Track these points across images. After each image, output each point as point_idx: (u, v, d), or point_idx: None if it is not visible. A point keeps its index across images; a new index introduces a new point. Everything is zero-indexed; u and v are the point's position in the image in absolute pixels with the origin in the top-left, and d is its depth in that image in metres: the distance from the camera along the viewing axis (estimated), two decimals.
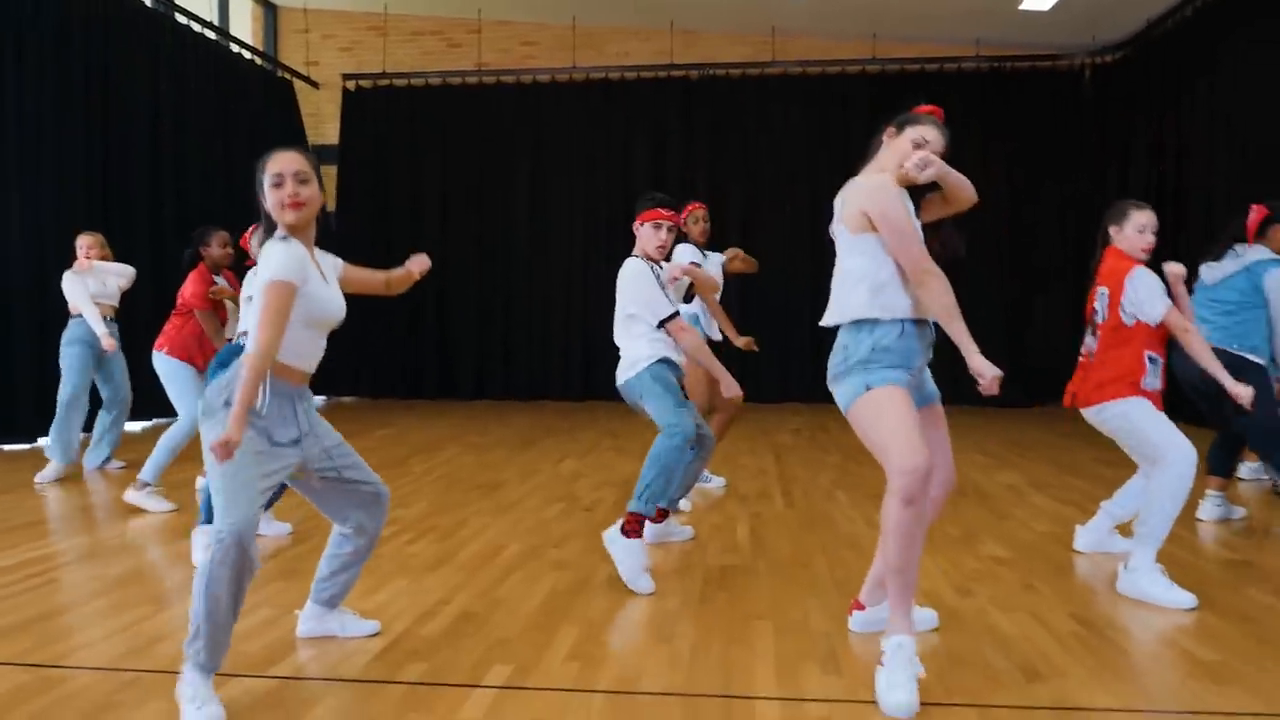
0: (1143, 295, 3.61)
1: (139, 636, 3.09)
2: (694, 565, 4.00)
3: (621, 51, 12.01)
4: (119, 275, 6.32)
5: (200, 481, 5.62)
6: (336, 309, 2.77)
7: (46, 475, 5.97)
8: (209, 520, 4.13)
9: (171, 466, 5.28)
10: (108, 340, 6.01)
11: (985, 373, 2.63)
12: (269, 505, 4.15)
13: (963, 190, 2.86)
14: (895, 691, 2.46)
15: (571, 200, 11.86)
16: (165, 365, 5.24)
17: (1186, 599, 3.39)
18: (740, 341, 5.52)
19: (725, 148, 11.57)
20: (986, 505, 5.24)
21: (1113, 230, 3.78)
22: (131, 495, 5.06)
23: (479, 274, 11.86)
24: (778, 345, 10.99)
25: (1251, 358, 4.38)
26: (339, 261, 2.96)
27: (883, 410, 2.66)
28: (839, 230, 2.83)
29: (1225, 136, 8.59)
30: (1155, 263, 3.79)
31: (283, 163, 2.65)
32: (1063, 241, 10.93)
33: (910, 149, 2.77)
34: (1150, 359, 3.63)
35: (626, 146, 11.79)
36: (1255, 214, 4.59)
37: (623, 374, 3.99)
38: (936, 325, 2.80)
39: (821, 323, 2.87)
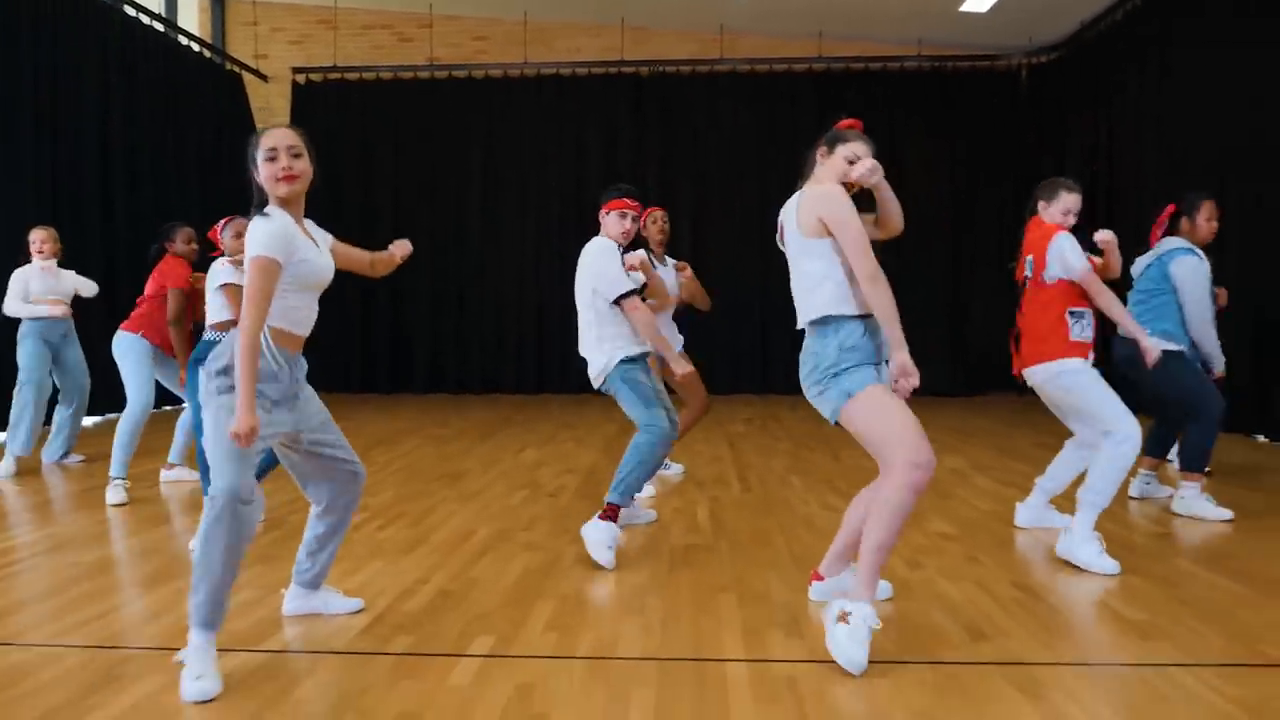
0: (1065, 252, 3.93)
1: (128, 618, 3.19)
2: (659, 545, 4.18)
3: (573, 47, 12.14)
4: (78, 283, 6.36)
5: (166, 474, 5.67)
6: (327, 272, 2.90)
7: (3, 470, 5.96)
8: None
9: (134, 462, 5.33)
10: (57, 306, 6.13)
11: (909, 371, 2.82)
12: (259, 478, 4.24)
13: (895, 218, 3.14)
14: (859, 651, 2.66)
15: (524, 195, 11.96)
16: (133, 344, 5.30)
17: (1111, 565, 3.67)
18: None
19: (675, 143, 11.76)
20: (933, 487, 5.49)
21: (1042, 204, 4.12)
22: (109, 494, 5.10)
23: (431, 268, 11.89)
24: (728, 339, 11.26)
25: (1165, 344, 4.65)
26: (328, 236, 3.07)
27: (878, 410, 2.84)
28: (792, 237, 3.02)
29: (1154, 134, 9.00)
30: (1083, 236, 4.13)
31: (276, 138, 2.77)
32: (1001, 236, 11.31)
33: (844, 165, 2.99)
34: (1071, 314, 3.94)
35: (578, 142, 11.93)
36: (1165, 211, 4.90)
37: (595, 379, 4.17)
38: None
39: (797, 326, 3.06)
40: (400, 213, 11.92)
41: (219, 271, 4.43)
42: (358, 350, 11.97)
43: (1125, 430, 3.82)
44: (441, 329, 12.00)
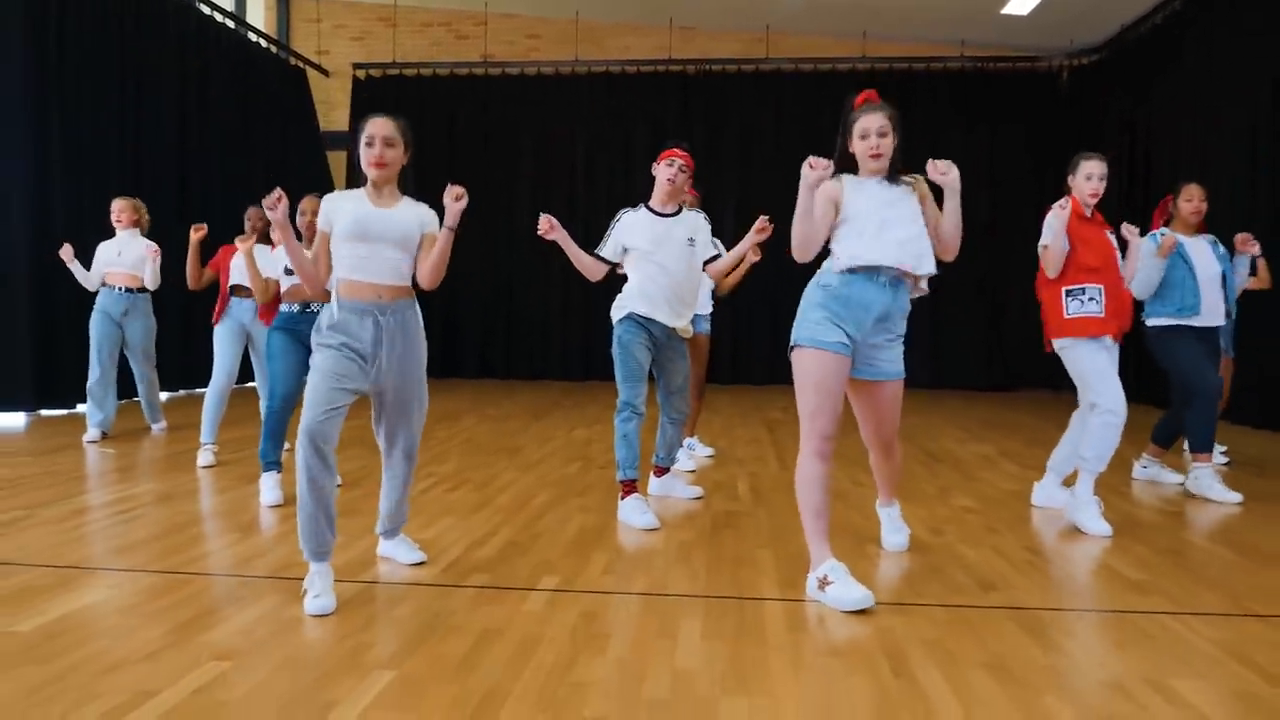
0: (1044, 227, 4.26)
1: (236, 554, 3.64)
2: (702, 512, 4.57)
3: (622, 46, 12.53)
4: (143, 248, 6.63)
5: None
6: (378, 225, 3.16)
7: (89, 435, 6.47)
8: (266, 469, 4.67)
9: (223, 428, 5.79)
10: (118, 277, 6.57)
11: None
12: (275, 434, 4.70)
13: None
14: (853, 591, 3.04)
15: (573, 188, 12.38)
16: (223, 321, 5.74)
17: (1105, 528, 4.08)
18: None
19: (721, 139, 12.11)
20: (960, 470, 5.83)
21: (1069, 178, 4.41)
22: (199, 456, 5.59)
23: (483, 259, 12.36)
24: (767, 331, 11.62)
25: (1168, 320, 5.07)
26: (430, 221, 3.33)
27: (806, 376, 3.19)
28: None
29: (1191, 135, 9.21)
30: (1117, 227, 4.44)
31: (376, 127, 3.22)
32: (1039, 234, 11.49)
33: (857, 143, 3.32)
34: (1068, 292, 4.26)
35: (626, 137, 12.32)
36: (1163, 200, 5.33)
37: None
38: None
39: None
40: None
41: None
42: None
43: (1108, 403, 4.17)
44: (492, 317, 12.48)
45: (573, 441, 6.75)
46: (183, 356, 9.23)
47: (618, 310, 4.46)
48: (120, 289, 6.61)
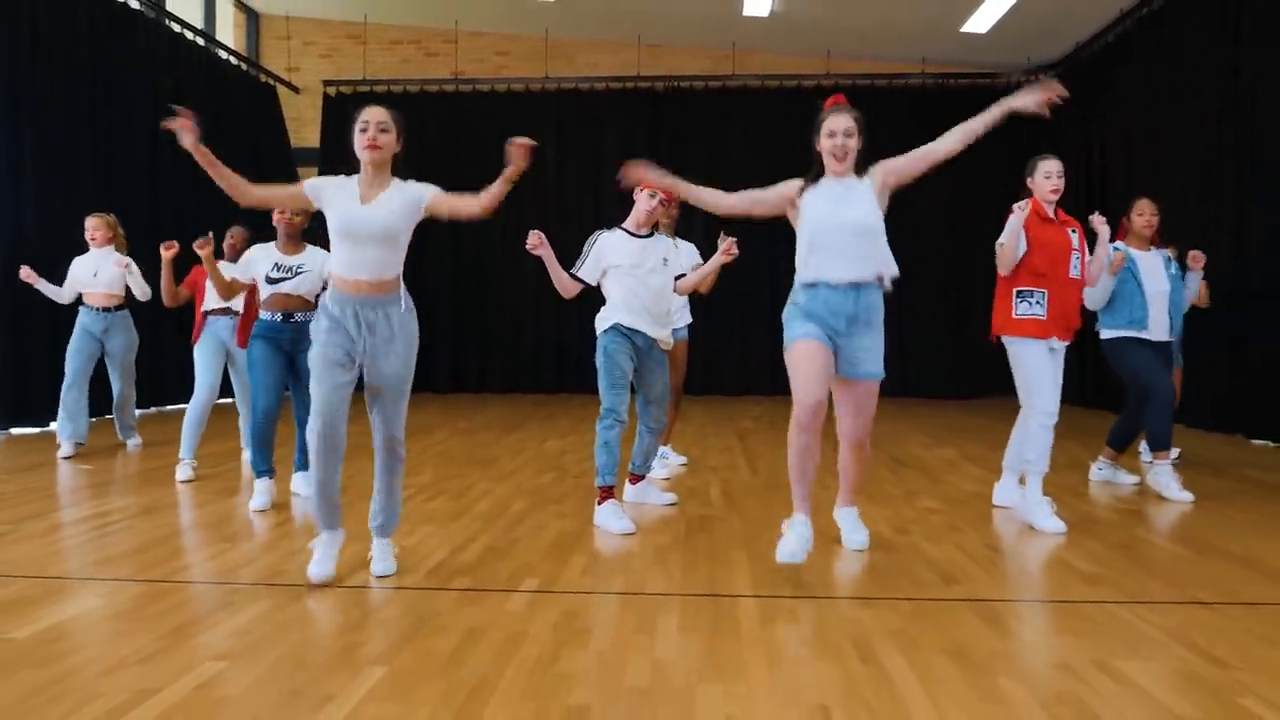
0: (1006, 227, 4.49)
1: (224, 563, 3.72)
2: (677, 516, 4.71)
3: (591, 63, 12.71)
4: (128, 279, 6.60)
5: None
6: (363, 224, 3.33)
7: (63, 451, 6.49)
8: (259, 476, 4.76)
9: (204, 444, 5.86)
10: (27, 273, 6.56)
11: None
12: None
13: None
14: (787, 544, 3.42)
15: (544, 204, 12.50)
16: (202, 337, 5.81)
17: (1058, 525, 4.28)
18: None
19: (689, 155, 12.29)
20: (926, 474, 6.01)
21: (1029, 182, 4.62)
22: (177, 471, 5.64)
23: (454, 275, 12.46)
24: (737, 342, 11.81)
25: (1123, 331, 5.32)
26: (424, 194, 3.51)
27: (794, 361, 3.56)
28: None
29: (1143, 150, 9.52)
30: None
31: (370, 114, 3.41)
32: None
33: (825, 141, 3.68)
34: (1018, 293, 4.48)
35: (596, 152, 12.48)
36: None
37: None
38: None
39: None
40: (424, 221, 12.46)
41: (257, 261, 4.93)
42: None
43: (1038, 406, 4.42)
44: (463, 332, 12.56)
45: (545, 453, 6.87)
46: (153, 374, 9.23)
47: (602, 322, 4.62)
48: (99, 309, 6.63)
